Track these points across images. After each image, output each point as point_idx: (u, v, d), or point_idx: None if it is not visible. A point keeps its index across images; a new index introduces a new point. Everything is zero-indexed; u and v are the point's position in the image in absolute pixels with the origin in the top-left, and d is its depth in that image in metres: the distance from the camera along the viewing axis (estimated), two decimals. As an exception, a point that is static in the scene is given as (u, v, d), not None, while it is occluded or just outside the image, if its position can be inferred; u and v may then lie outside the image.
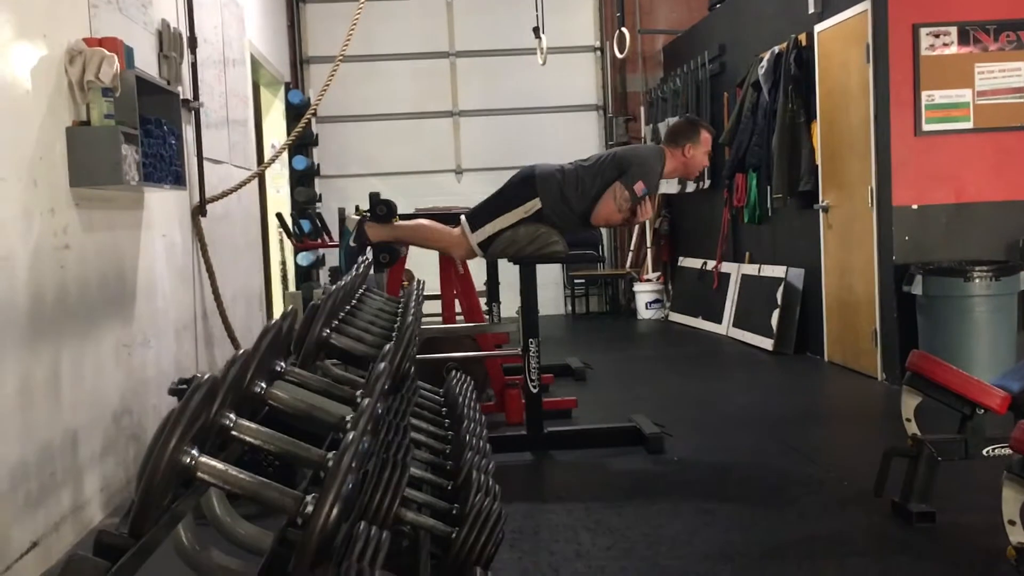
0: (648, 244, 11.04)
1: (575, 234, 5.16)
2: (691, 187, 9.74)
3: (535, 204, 4.98)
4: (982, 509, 3.44)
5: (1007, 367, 5.08)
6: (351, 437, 1.38)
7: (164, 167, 4.48)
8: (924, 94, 6.15)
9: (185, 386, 1.68)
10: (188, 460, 1.30)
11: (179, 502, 1.38)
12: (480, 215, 5.10)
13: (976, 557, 3.39)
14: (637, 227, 11.11)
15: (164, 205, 5.09)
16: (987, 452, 3.66)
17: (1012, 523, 2.79)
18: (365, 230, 5.19)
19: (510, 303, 5.78)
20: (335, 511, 1.24)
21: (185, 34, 5.55)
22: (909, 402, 3.75)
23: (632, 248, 11.27)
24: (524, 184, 5.06)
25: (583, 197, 5.01)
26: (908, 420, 3.74)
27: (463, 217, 5.15)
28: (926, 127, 6.16)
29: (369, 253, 5.12)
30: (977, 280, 5.72)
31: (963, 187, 6.20)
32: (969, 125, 6.17)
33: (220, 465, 1.34)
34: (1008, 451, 2.94)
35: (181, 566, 1.74)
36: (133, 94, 4.05)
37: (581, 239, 5.22)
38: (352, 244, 5.22)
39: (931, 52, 6.13)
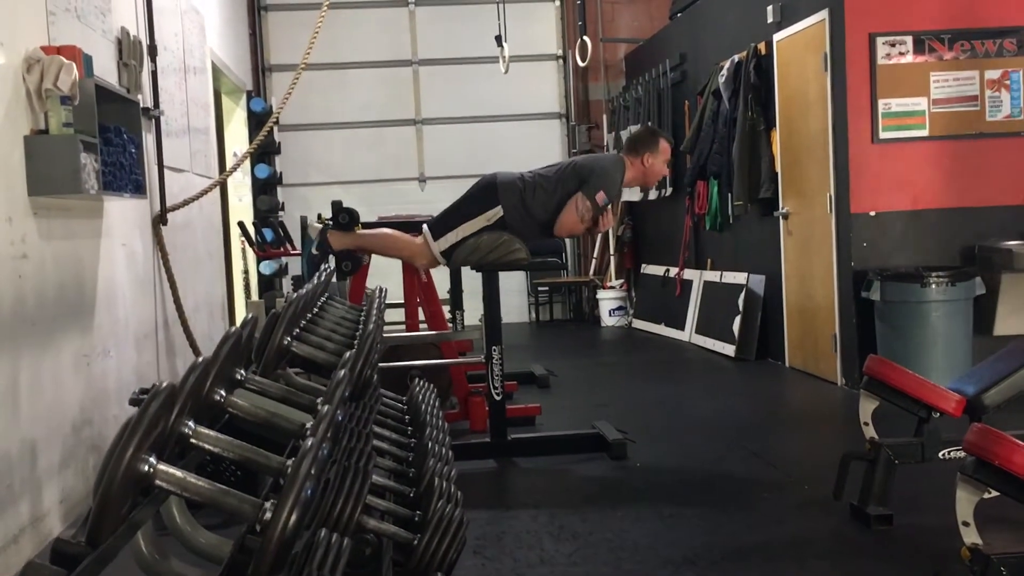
0: (611, 251, 11.09)
1: (536, 242, 5.18)
2: (653, 195, 9.80)
3: (497, 212, 4.97)
4: (938, 511, 3.48)
5: (963, 371, 5.16)
6: (310, 443, 1.38)
7: (124, 175, 4.45)
8: (881, 102, 6.23)
9: (146, 396, 1.68)
10: (146, 468, 1.30)
11: (138, 511, 1.38)
12: (442, 223, 5.09)
13: (932, 559, 3.44)
14: (600, 235, 11.16)
15: (124, 214, 5.06)
16: (943, 455, 3.72)
17: (966, 524, 2.83)
18: (328, 239, 5.17)
19: (474, 311, 5.78)
20: (294, 516, 1.24)
21: (145, 42, 5.52)
22: (867, 406, 3.79)
23: (595, 256, 11.32)
24: (486, 192, 5.05)
25: (544, 206, 5.01)
26: (866, 424, 3.79)
27: (425, 226, 5.14)
28: (883, 135, 6.25)
29: (332, 261, 5.11)
30: (933, 286, 5.81)
31: (919, 194, 6.28)
32: (925, 133, 6.26)
33: (178, 472, 1.33)
34: (962, 453, 2.98)
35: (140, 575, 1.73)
36: (92, 102, 4.02)
37: (544, 246, 5.22)
38: (315, 252, 5.20)
39: (887, 61, 6.22)
